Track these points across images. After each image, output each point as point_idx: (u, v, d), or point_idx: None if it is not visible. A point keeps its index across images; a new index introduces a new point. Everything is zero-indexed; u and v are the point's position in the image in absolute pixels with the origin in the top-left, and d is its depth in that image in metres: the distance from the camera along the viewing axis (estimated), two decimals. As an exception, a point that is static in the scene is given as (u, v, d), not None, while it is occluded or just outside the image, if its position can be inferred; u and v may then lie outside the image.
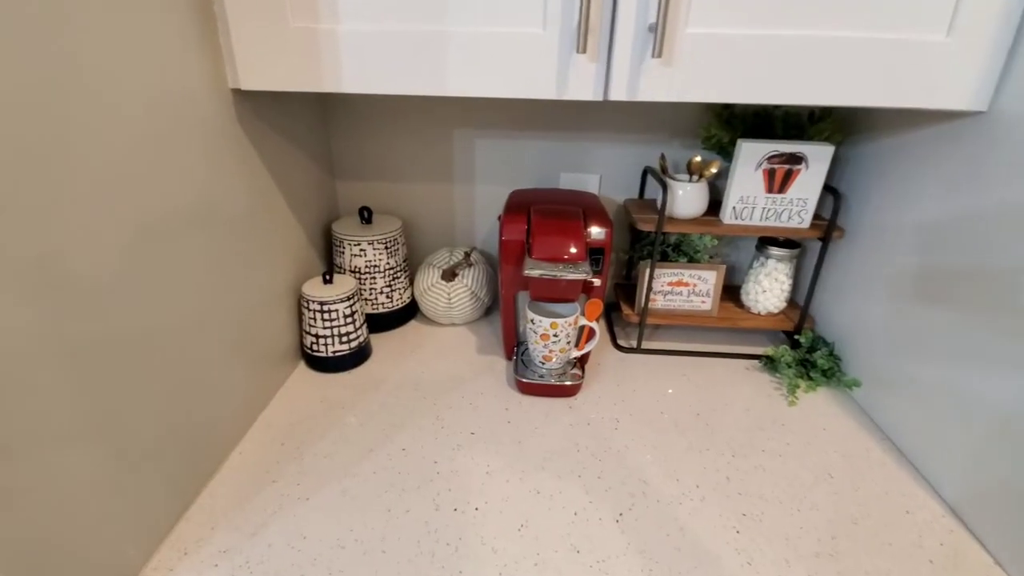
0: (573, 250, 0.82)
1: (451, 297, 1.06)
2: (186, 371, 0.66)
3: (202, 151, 0.68)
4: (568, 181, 1.10)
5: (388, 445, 0.79)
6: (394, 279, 1.06)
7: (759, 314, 1.04)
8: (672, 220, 0.95)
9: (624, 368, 0.99)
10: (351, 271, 1.03)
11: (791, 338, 1.05)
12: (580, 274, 0.79)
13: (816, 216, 0.94)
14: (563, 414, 0.86)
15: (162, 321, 0.61)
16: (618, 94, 0.66)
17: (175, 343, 0.64)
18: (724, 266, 0.99)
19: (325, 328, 0.91)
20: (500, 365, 0.99)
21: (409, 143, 1.09)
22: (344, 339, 0.93)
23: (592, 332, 0.91)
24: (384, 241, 1.02)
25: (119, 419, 0.56)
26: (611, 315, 1.16)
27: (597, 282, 0.82)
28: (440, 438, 0.80)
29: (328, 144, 1.09)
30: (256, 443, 0.79)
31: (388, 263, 1.04)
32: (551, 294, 0.85)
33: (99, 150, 0.52)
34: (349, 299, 0.92)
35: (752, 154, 0.89)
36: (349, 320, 0.93)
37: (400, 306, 1.09)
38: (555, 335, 0.86)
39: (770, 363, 0.98)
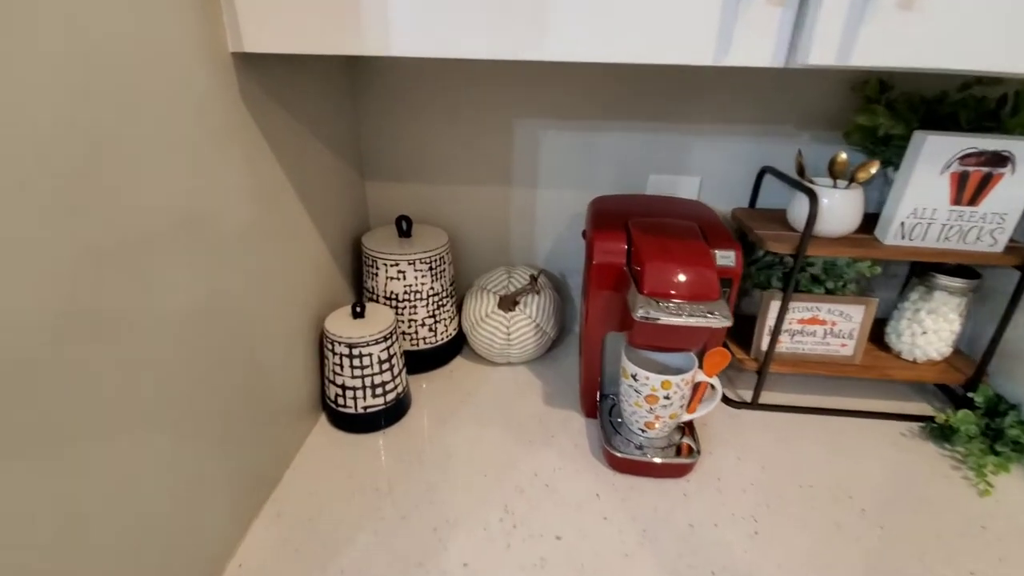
0: (706, 285, 0.58)
1: (511, 331, 0.83)
2: (163, 444, 0.44)
3: (190, 140, 0.46)
4: (659, 185, 0.87)
5: (442, 556, 0.56)
6: (439, 307, 0.84)
7: (914, 361, 0.80)
8: (815, 239, 0.71)
9: (739, 431, 0.75)
10: (385, 298, 0.81)
11: (953, 395, 0.81)
12: (721, 320, 0.56)
13: (1012, 240, 0.69)
14: (677, 507, 0.63)
15: (126, 376, 0.40)
16: (820, 56, 0.43)
17: (150, 402, 0.42)
18: (876, 300, 0.75)
19: (355, 377, 0.69)
20: (576, 423, 0.76)
21: (458, 135, 0.87)
22: (379, 391, 0.71)
23: (711, 391, 0.68)
24: (428, 260, 0.80)
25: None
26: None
27: (728, 323, 0.59)
28: (514, 545, 0.58)
29: (358, 134, 0.87)
30: (262, 548, 0.57)
31: (432, 288, 0.82)
32: (664, 342, 0.62)
33: (31, 138, 0.30)
34: (386, 339, 0.70)
35: (939, 152, 0.65)
36: (386, 366, 0.71)
37: (445, 340, 0.87)
38: (666, 397, 0.63)
39: (938, 430, 0.74)
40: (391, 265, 0.79)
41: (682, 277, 0.58)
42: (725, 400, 0.81)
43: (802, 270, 0.79)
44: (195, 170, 0.47)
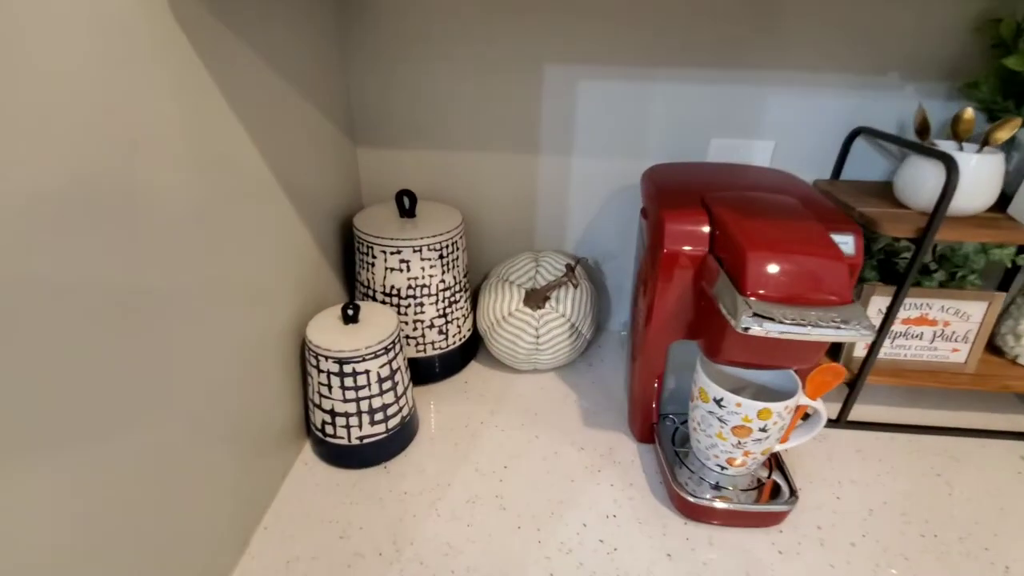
0: (836, 282, 0.42)
1: (541, 332, 0.67)
2: (101, 488, 0.28)
3: (89, 64, 0.29)
4: (723, 152, 0.70)
5: (473, 654, 0.41)
6: (451, 304, 0.68)
7: (1036, 369, 0.65)
8: (944, 219, 0.55)
9: (831, 458, 0.61)
10: (385, 294, 0.65)
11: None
12: (862, 331, 0.40)
13: None
14: (772, 570, 0.48)
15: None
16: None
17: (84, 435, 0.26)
18: (1003, 295, 0.60)
19: (348, 401, 0.53)
20: (627, 450, 0.61)
21: (473, 87, 0.69)
22: (379, 416, 0.55)
23: (815, 417, 0.52)
24: (438, 246, 0.63)
25: None
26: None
27: (872, 336, 0.42)
28: (570, 638, 0.43)
29: (345, 86, 0.69)
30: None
31: (443, 280, 0.65)
32: (766, 359, 0.47)
33: None
34: (388, 350, 0.54)
35: (1125, 101, 0.49)
36: (387, 385, 0.55)
37: (457, 344, 0.70)
38: (762, 429, 0.48)
39: (1075, 456, 0.60)
40: (392, 253, 0.62)
41: (801, 272, 0.42)
42: (805, 417, 0.66)
43: (904, 258, 0.63)
44: (94, 110, 0.30)
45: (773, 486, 0.54)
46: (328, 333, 0.53)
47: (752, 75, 0.66)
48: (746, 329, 0.41)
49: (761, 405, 0.47)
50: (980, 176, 0.54)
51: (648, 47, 0.65)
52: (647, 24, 0.64)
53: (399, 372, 0.56)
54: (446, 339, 0.69)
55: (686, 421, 0.57)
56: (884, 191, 0.63)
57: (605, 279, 0.81)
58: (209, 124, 0.41)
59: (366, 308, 0.57)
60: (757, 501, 0.52)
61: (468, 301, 0.72)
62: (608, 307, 0.83)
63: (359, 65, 0.68)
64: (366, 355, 0.52)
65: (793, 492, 0.52)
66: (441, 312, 0.67)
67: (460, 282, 0.68)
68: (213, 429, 0.43)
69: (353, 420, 0.54)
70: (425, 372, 0.69)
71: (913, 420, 0.66)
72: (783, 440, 0.52)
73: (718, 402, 0.49)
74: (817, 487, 0.57)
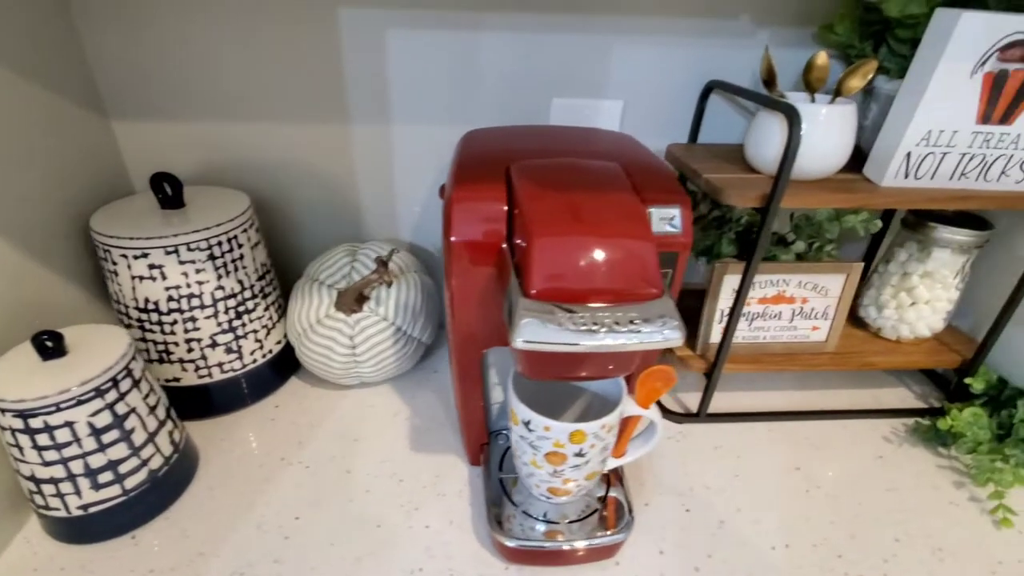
0: (638, 273, 0.33)
1: (357, 340, 0.56)
2: None
3: None
4: (566, 113, 0.60)
5: None
6: (242, 316, 0.54)
7: (898, 341, 0.61)
8: (791, 184, 0.48)
9: (685, 458, 0.54)
10: (140, 311, 0.50)
11: (940, 380, 0.64)
12: (667, 335, 0.31)
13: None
14: (602, 617, 0.40)
15: None
16: None
17: None
18: (860, 265, 0.54)
19: (49, 464, 0.40)
20: (456, 475, 0.51)
21: (258, 39, 0.54)
22: (105, 478, 0.42)
23: (647, 425, 0.44)
24: (206, 244, 0.50)
25: None
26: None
27: (680, 340, 0.33)
28: None
29: (77, 42, 0.53)
30: None
31: (221, 287, 0.52)
32: (573, 372, 0.37)
33: None
34: (101, 393, 0.40)
35: (971, 41, 0.42)
36: (112, 437, 0.41)
37: (263, 361, 0.57)
38: (578, 454, 0.39)
39: (931, 430, 0.56)
40: (137, 257, 0.48)
41: (597, 263, 0.33)
42: (664, 412, 0.59)
43: (752, 229, 0.56)
44: None
45: (615, 506, 0.46)
46: (16, 375, 0.39)
47: (596, 22, 0.56)
48: (526, 344, 0.31)
49: (572, 427, 0.38)
50: (832, 131, 0.47)
51: (466, -10, 0.53)
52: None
53: (133, 416, 0.42)
54: (241, 358, 0.55)
55: (516, 439, 0.48)
56: (738, 154, 0.55)
57: (454, 268, 0.70)
58: None
59: (81, 335, 0.43)
60: (593, 531, 0.43)
61: (274, 308, 0.59)
62: (462, 299, 0.73)
63: (92, 22, 0.52)
64: (62, 403, 0.38)
65: (630, 515, 0.44)
66: (226, 326, 0.53)
67: (253, 286, 0.55)
68: None
69: (65, 487, 0.40)
70: (218, 400, 0.56)
71: (776, 406, 0.60)
72: (618, 454, 0.44)
73: (526, 424, 0.39)
74: (665, 498, 0.49)
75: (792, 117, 0.43)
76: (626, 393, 0.40)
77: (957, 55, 0.42)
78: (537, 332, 0.31)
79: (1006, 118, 0.45)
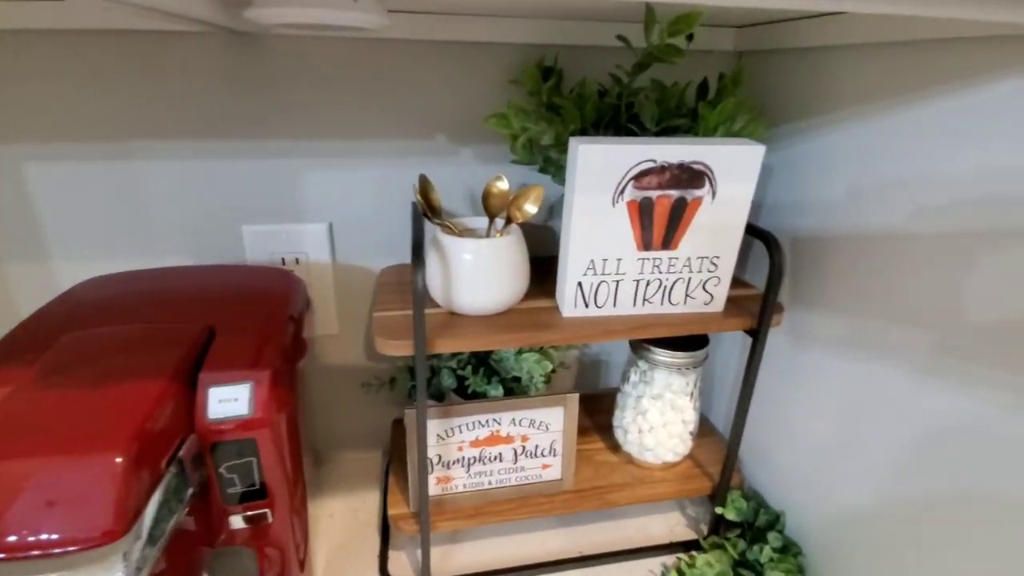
0: (90, 516, 0.25)
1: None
2: None
3: None
4: (261, 239, 0.54)
5: None
6: None
7: (648, 466, 0.55)
8: (455, 318, 0.42)
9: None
10: None
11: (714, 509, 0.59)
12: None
13: (738, 281, 0.47)
14: None
15: None
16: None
17: None
18: (576, 396, 0.49)
19: None
20: None
21: None
22: None
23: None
24: None
25: None
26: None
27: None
28: None
29: None
30: None
31: None
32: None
33: None
34: None
35: (604, 167, 0.40)
36: None
37: None
38: None
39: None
40: None
41: (28, 502, 0.24)
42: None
43: (459, 364, 0.50)
44: None
45: None
46: None
47: (280, 145, 0.51)
48: None
49: None
50: (492, 267, 0.42)
51: (123, 114, 0.47)
52: (117, 87, 0.46)
53: None
54: None
55: None
56: (437, 280, 0.50)
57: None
58: None
59: None
60: None
61: None
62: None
63: None
64: None
65: None
66: None
67: None
68: None
69: None
70: None
71: (532, 556, 0.52)
72: None
73: None
74: None
75: (418, 256, 0.38)
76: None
77: (591, 185, 0.40)
78: None
79: (667, 244, 0.43)
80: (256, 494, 0.34)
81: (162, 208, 0.52)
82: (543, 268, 0.48)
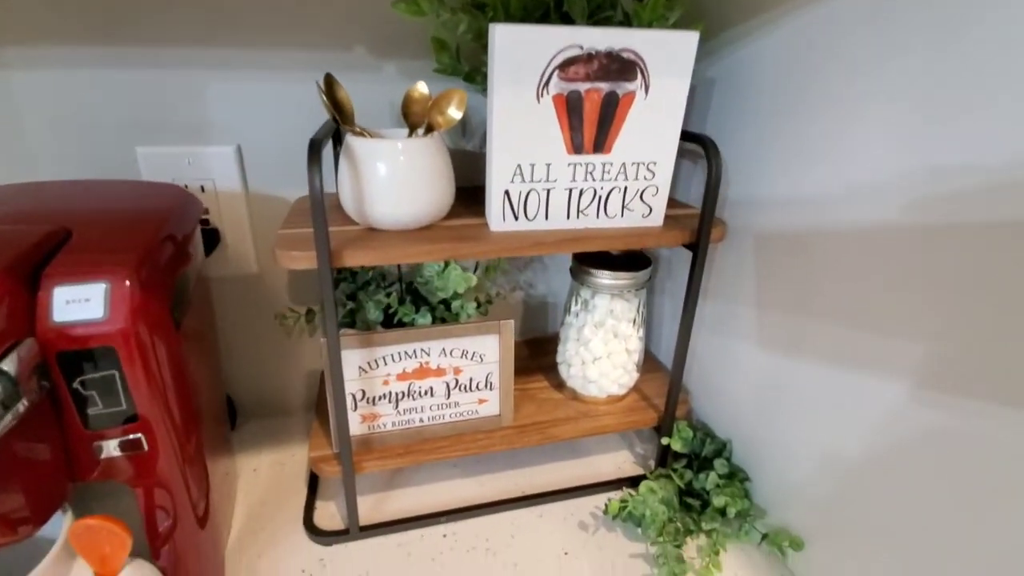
0: None
1: None
2: None
3: None
4: (158, 162, 0.48)
5: None
6: None
7: (592, 399, 0.53)
8: (372, 233, 0.38)
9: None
10: None
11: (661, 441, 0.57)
12: None
13: (677, 202, 0.45)
14: None
15: None
16: None
17: None
18: (511, 322, 0.46)
19: None
20: None
21: None
22: None
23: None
24: None
25: None
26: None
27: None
28: None
29: None
30: None
31: None
32: None
33: None
34: None
35: (526, 56, 0.36)
36: None
37: None
38: None
39: (625, 510, 0.47)
40: None
41: None
42: (309, 529, 0.46)
43: (383, 286, 0.46)
44: None
45: None
46: None
47: (177, 53, 0.45)
48: None
49: None
50: (411, 171, 0.38)
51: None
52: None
53: None
54: None
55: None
56: (357, 202, 0.45)
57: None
58: None
59: None
60: None
61: None
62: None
63: None
64: None
65: None
66: None
67: None
68: None
69: None
70: None
71: (468, 498, 0.49)
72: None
73: None
74: None
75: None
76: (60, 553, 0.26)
77: (512, 76, 0.36)
78: None
79: (600, 147, 0.40)
80: (128, 420, 0.30)
81: (40, 127, 0.45)
82: (475, 198, 0.45)
